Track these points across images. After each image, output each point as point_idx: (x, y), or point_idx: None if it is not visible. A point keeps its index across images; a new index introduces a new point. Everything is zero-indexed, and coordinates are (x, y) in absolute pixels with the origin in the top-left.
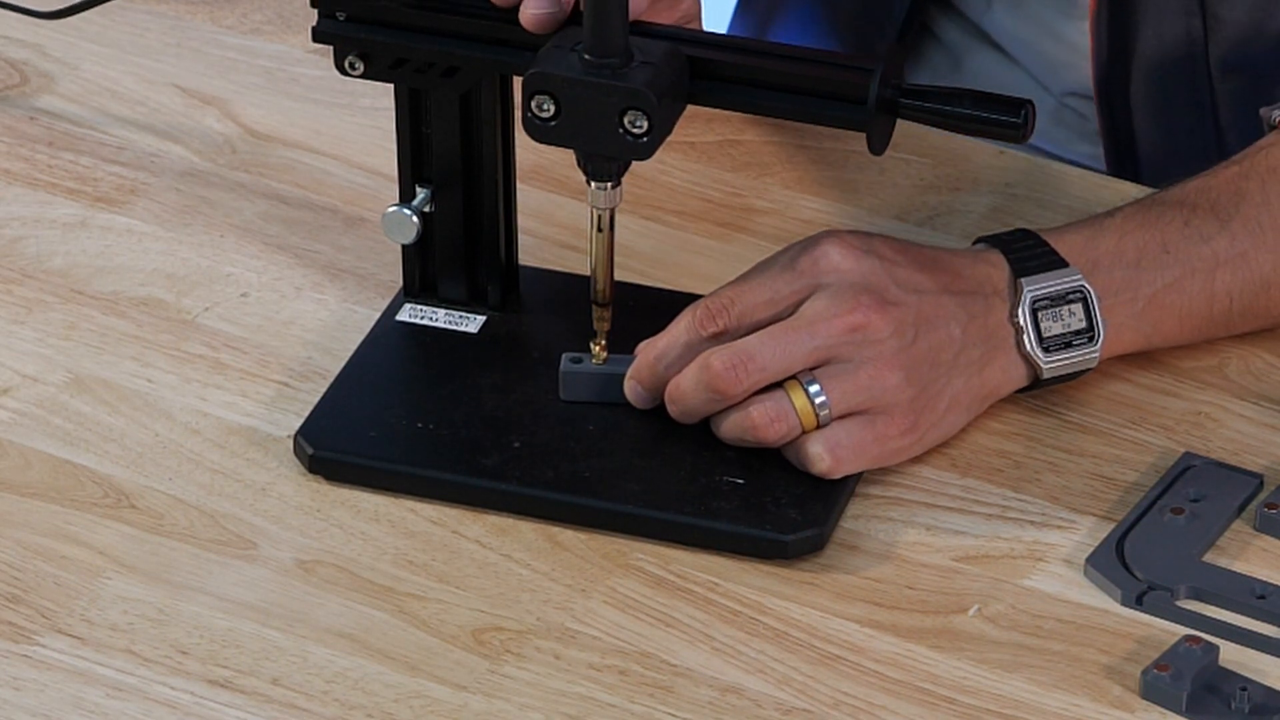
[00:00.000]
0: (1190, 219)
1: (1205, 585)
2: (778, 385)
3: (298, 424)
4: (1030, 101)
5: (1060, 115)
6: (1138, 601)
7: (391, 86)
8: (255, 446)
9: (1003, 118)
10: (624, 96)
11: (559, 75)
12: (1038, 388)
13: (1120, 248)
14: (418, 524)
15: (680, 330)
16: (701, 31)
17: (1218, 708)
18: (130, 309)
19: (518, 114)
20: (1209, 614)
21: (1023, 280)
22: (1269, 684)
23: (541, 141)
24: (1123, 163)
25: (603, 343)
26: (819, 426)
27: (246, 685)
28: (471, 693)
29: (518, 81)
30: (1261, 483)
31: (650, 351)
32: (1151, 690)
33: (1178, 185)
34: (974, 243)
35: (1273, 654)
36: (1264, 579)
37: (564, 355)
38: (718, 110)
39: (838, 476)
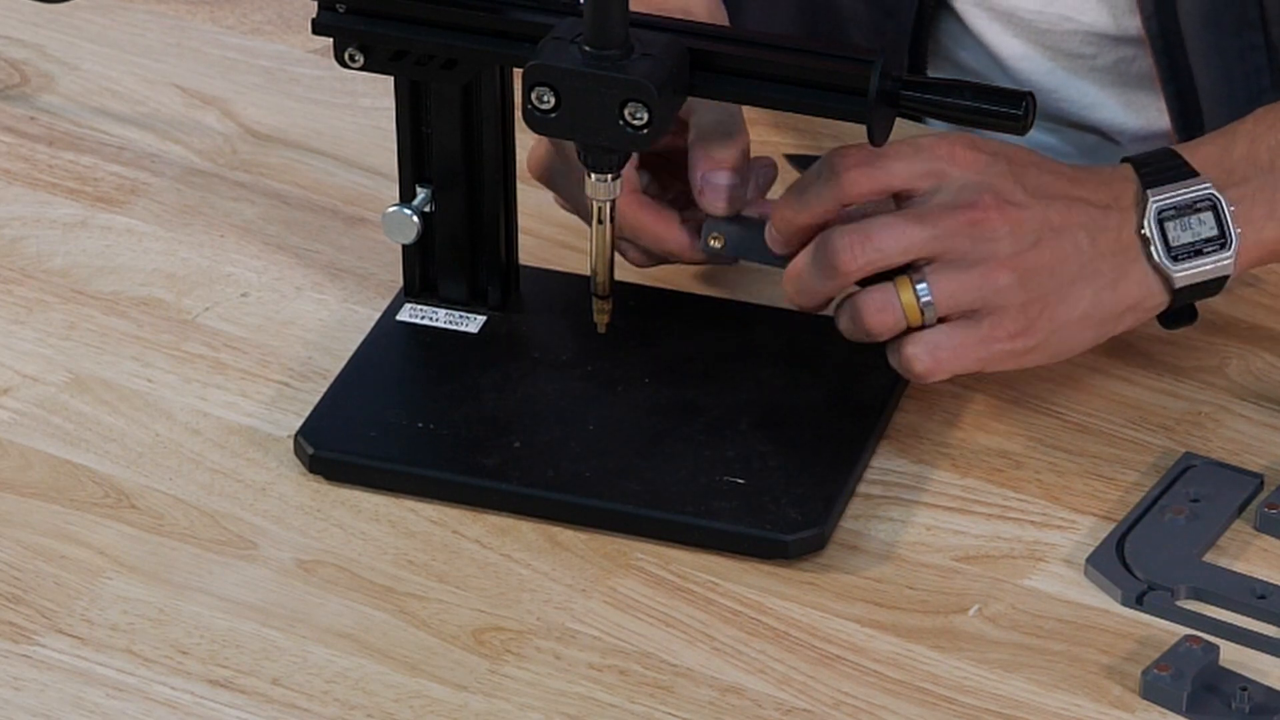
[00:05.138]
0: None
1: (1205, 585)
2: (887, 279)
3: (298, 424)
4: (1031, 93)
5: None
6: (1138, 601)
7: (392, 85)
8: (255, 446)
9: (1003, 109)
10: (624, 88)
11: (559, 67)
12: (1177, 304)
13: (1253, 152)
14: (418, 524)
15: (818, 165)
16: (702, 23)
17: (1218, 708)
18: (130, 309)
19: (518, 113)
20: (1209, 614)
21: (1150, 192)
22: (1269, 684)
23: (541, 133)
24: (1185, 99)
25: (607, 309)
26: (923, 326)
27: (247, 685)
28: (471, 693)
29: (518, 77)
30: (1261, 483)
31: (789, 191)
32: (1151, 690)
33: None
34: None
35: (1273, 654)
36: (1264, 579)
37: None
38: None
39: (936, 379)
